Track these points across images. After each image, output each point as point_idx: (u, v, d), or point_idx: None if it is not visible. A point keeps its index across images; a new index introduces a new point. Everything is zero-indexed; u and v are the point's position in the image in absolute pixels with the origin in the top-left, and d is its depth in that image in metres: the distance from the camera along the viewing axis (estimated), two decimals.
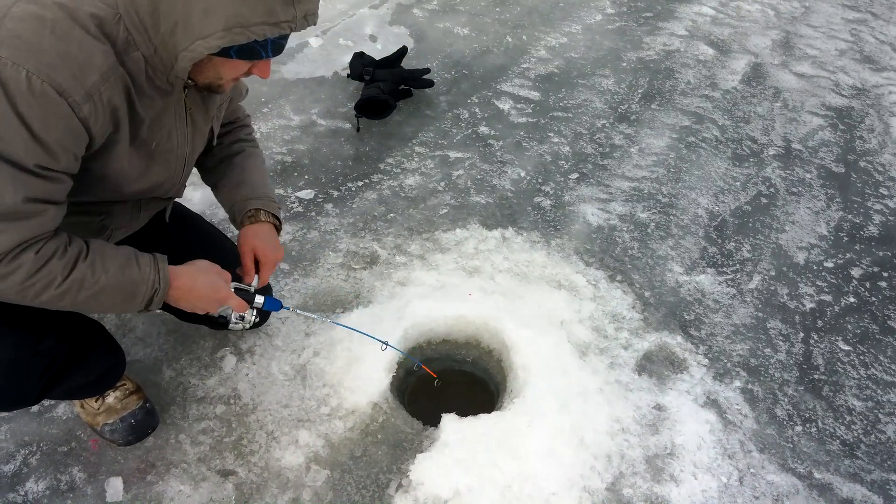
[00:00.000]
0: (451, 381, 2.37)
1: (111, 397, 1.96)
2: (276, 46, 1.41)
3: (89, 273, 1.42)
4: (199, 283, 1.63)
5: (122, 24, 1.35)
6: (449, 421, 2.02)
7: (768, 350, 2.46)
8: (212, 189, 2.00)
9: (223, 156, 1.96)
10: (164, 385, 2.15)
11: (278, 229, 1.95)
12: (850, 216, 3.19)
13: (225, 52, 1.38)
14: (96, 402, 1.96)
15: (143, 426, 2.00)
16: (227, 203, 1.95)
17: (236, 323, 1.81)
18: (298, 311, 1.97)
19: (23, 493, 1.87)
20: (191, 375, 2.18)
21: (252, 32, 1.31)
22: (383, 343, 2.02)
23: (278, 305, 1.85)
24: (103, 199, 1.61)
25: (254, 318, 1.82)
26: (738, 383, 2.32)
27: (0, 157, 1.27)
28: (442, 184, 3.11)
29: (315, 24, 1.42)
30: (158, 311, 2.21)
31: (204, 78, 1.48)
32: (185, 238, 2.02)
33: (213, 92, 1.57)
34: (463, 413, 2.06)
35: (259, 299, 1.79)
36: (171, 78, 1.45)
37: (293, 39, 4.10)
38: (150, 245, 1.87)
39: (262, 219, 1.89)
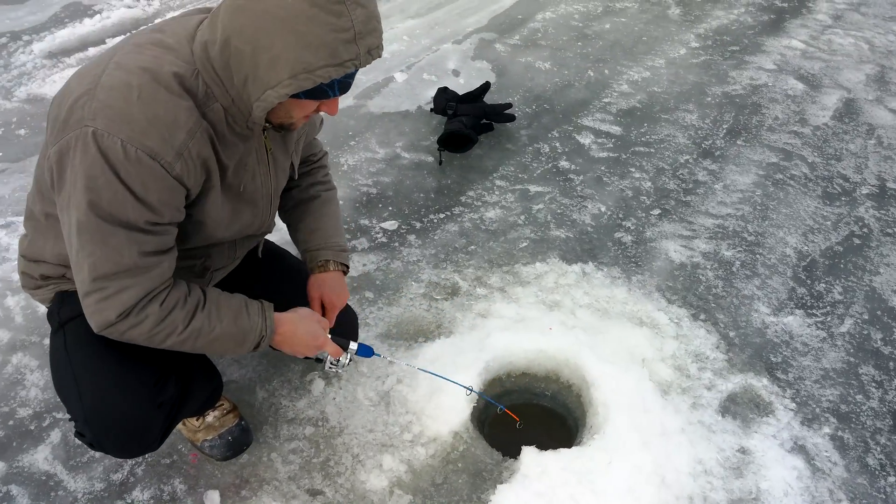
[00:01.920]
0: (528, 415, 2.40)
1: (210, 416, 2.08)
2: (342, 85, 1.46)
3: (206, 323, 1.56)
4: (301, 330, 1.76)
5: (201, 78, 1.46)
6: (529, 453, 2.05)
7: (860, 396, 2.39)
8: (287, 227, 2.12)
9: (301, 198, 2.07)
10: (257, 405, 2.26)
11: (346, 272, 2.08)
12: None
13: (294, 95, 1.43)
14: (197, 420, 2.08)
15: (239, 443, 2.11)
16: (301, 246, 2.07)
17: (331, 367, 1.92)
18: (389, 359, 2.11)
19: (130, 501, 2.00)
20: (282, 397, 2.29)
21: (317, 76, 1.36)
22: (468, 389, 2.08)
23: (370, 353, 1.96)
24: (205, 243, 1.73)
25: (348, 361, 1.93)
26: (827, 429, 2.26)
27: (115, 222, 1.40)
28: (522, 217, 3.16)
29: (381, 57, 1.46)
30: None
31: (277, 119, 1.55)
32: (275, 271, 2.14)
33: (286, 130, 1.64)
34: (541, 446, 2.08)
35: (353, 346, 1.92)
36: (249, 124, 1.54)
37: (380, 74, 4.27)
38: (245, 279, 2.01)
39: (331, 268, 2.02)
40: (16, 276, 2.76)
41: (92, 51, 4.57)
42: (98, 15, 4.96)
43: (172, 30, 1.50)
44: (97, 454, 2.11)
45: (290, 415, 2.23)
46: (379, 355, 2.02)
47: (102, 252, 1.41)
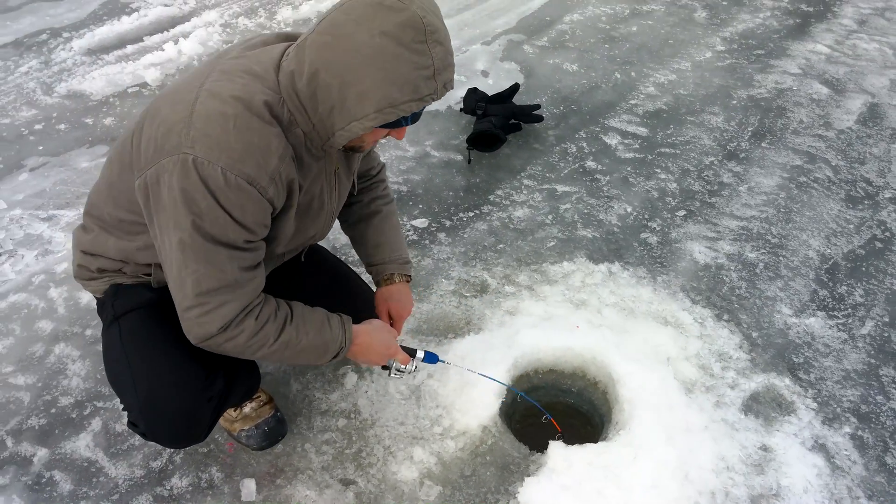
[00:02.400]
0: (555, 411, 2.47)
1: (248, 407, 2.16)
2: (415, 116, 1.56)
3: (294, 335, 1.67)
4: (375, 340, 1.89)
5: (286, 106, 1.55)
6: (556, 448, 2.11)
7: (880, 397, 2.43)
8: (351, 240, 2.24)
9: (363, 213, 2.17)
10: (291, 397, 2.35)
11: (409, 281, 2.22)
12: None
13: None
14: (235, 410, 2.16)
15: (275, 433, 2.19)
16: (366, 260, 2.20)
17: (397, 373, 2.04)
18: (453, 364, 2.24)
19: (168, 488, 2.09)
20: (316, 390, 2.37)
21: (400, 111, 1.47)
22: (520, 394, 2.23)
23: (435, 359, 2.10)
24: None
25: (414, 369, 2.05)
26: (847, 429, 2.30)
27: (217, 242, 1.51)
28: (549, 217, 3.22)
29: (453, 89, 1.59)
30: None
31: (350, 143, 1.66)
32: (317, 272, 2.24)
33: (355, 152, 1.78)
34: (567, 441, 2.15)
35: (420, 354, 2.06)
36: (326, 147, 1.64)
37: None
38: (286, 278, 2.09)
39: (397, 280, 2.15)
40: (59, 268, 2.88)
41: (130, 48, 4.69)
42: (136, 13, 5.09)
43: (258, 58, 1.59)
44: (137, 441, 2.20)
45: (324, 407, 2.31)
46: (444, 361, 2.15)
47: (206, 269, 1.51)
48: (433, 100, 1.50)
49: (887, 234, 3.25)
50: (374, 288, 2.23)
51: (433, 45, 1.43)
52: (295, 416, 2.28)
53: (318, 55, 1.46)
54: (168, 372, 1.75)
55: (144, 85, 4.30)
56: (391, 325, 2.11)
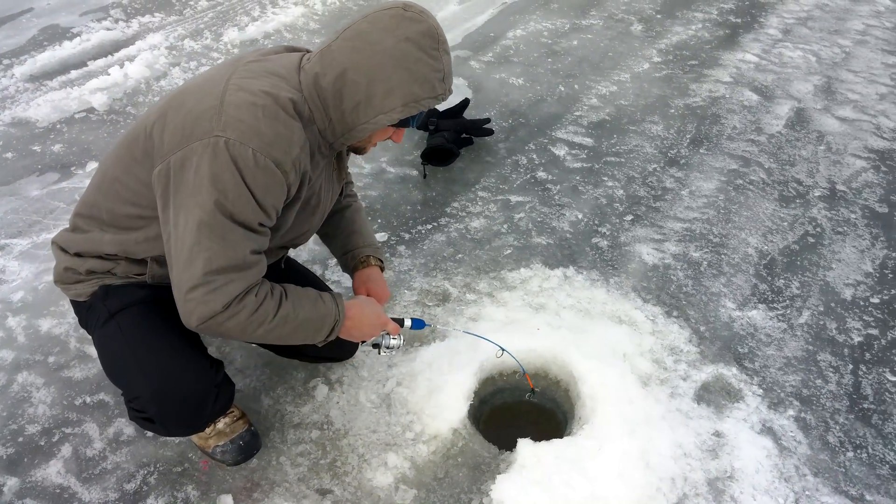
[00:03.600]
0: (521, 410, 2.57)
1: (221, 423, 2.17)
2: (419, 117, 1.76)
3: (291, 310, 1.73)
4: (367, 312, 1.98)
5: (307, 105, 1.71)
6: (524, 445, 2.20)
7: (819, 381, 2.61)
8: (322, 238, 2.33)
9: (334, 210, 2.26)
10: (263, 412, 2.37)
11: (383, 269, 2.27)
12: (894, 254, 3.32)
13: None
14: (208, 427, 2.18)
15: (250, 447, 2.21)
16: (339, 250, 2.28)
17: (386, 351, 2.10)
18: (439, 326, 2.43)
19: None
20: (287, 403, 2.40)
21: (421, 105, 1.68)
22: (501, 349, 2.33)
23: (423, 325, 2.21)
24: None
25: (401, 342, 2.12)
26: (791, 412, 2.47)
27: (236, 221, 1.60)
28: (505, 226, 3.34)
29: (452, 93, 1.80)
30: (255, 346, 2.48)
31: (357, 143, 1.83)
32: (296, 279, 2.28)
33: (356, 153, 1.95)
34: (535, 439, 2.24)
35: (408, 322, 2.16)
36: (336, 145, 1.80)
37: None
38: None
39: (373, 263, 2.23)
40: (15, 297, 2.84)
41: (74, 73, 4.63)
42: (77, 38, 5.02)
43: (280, 62, 1.75)
44: (109, 465, 2.19)
45: (296, 420, 2.34)
46: (430, 325, 2.30)
47: (220, 247, 1.58)
48: (443, 99, 1.73)
49: (818, 229, 3.46)
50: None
51: (444, 53, 1.69)
52: (268, 431, 2.31)
53: (347, 57, 1.64)
54: (178, 359, 1.86)
55: (91, 110, 4.25)
56: None
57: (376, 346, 2.10)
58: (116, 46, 5.01)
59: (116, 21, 5.41)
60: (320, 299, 1.82)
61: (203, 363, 1.92)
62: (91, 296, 1.93)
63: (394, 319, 2.09)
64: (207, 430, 2.18)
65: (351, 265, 2.25)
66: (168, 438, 2.27)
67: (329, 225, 2.27)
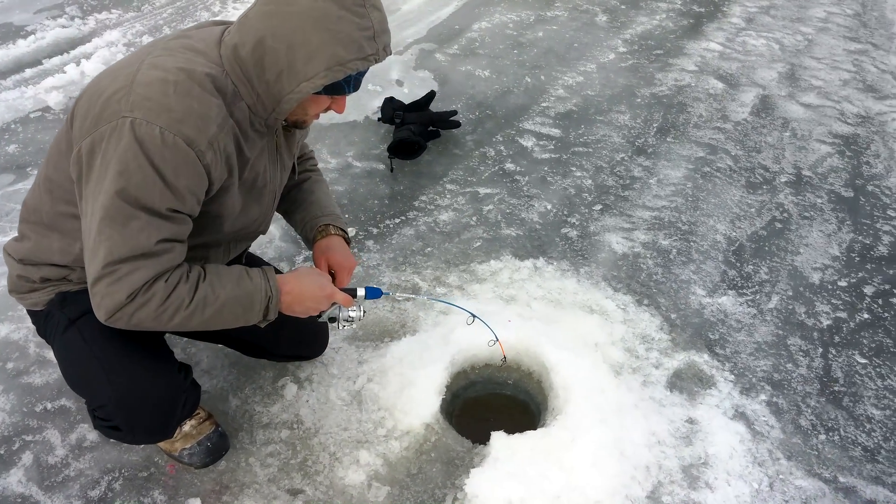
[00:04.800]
0: (494, 404, 2.55)
1: (188, 425, 2.12)
2: (356, 83, 1.63)
3: (210, 291, 1.61)
4: (306, 284, 1.80)
5: (229, 79, 1.59)
6: (498, 438, 2.18)
7: (790, 365, 2.62)
8: (283, 216, 2.20)
9: (292, 184, 2.15)
10: (231, 413, 2.32)
11: (348, 242, 2.11)
12: (860, 237, 3.36)
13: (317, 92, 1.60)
14: None
15: (218, 448, 2.16)
16: (299, 224, 2.14)
17: (346, 323, 1.95)
18: (399, 295, 2.21)
19: None
20: (255, 403, 2.35)
21: (347, 68, 1.53)
22: (471, 315, 2.23)
23: (379, 293, 1.99)
24: (206, 241, 1.81)
25: (363, 314, 1.97)
26: (763, 397, 2.47)
27: (139, 206, 1.48)
28: (474, 218, 3.31)
29: (391, 54, 1.66)
30: (221, 346, 2.42)
31: (293, 115, 1.70)
32: None
33: (298, 128, 1.81)
34: (509, 431, 2.22)
35: (361, 291, 1.95)
36: (269, 121, 1.67)
37: None
38: None
39: (332, 232, 2.07)
40: None
41: (29, 72, 4.51)
42: (32, 35, 4.89)
43: (199, 36, 1.63)
44: (73, 472, 2.13)
45: (265, 420, 2.29)
46: (388, 293, 2.09)
47: (121, 235, 1.48)
48: (376, 60, 1.57)
49: (785, 215, 3.49)
50: None
51: (371, 9, 1.53)
52: (236, 432, 2.26)
53: (263, 23, 1.52)
54: (144, 365, 1.77)
55: (47, 109, 4.14)
56: (333, 281, 1.97)
57: (333, 319, 1.95)
58: (72, 44, 4.88)
59: (72, 18, 5.27)
60: (246, 276, 1.68)
61: (170, 368, 1.85)
62: (48, 304, 1.84)
63: (346, 290, 1.92)
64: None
65: (308, 238, 2.10)
66: None
67: (286, 200, 2.15)
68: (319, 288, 1.82)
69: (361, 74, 1.62)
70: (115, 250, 1.49)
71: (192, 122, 1.49)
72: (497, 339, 2.26)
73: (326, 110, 1.72)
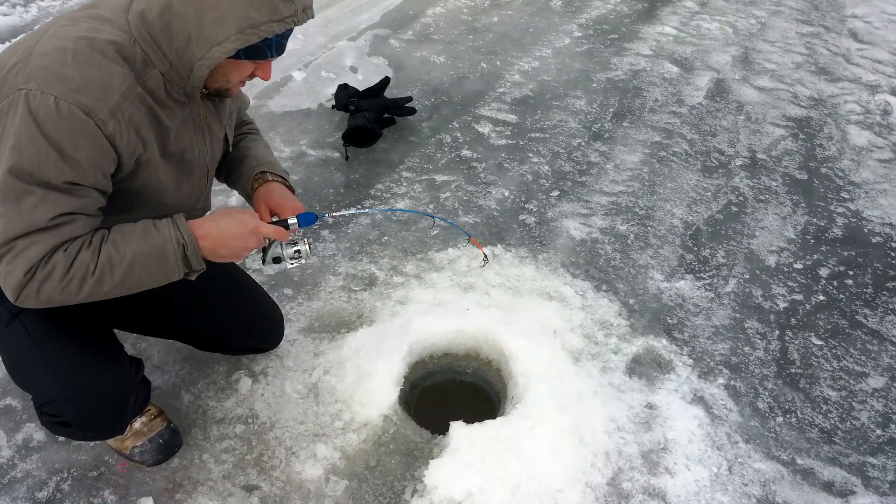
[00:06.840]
0: (452, 392, 2.52)
1: (138, 423, 2.06)
2: (279, 46, 1.55)
3: (114, 250, 1.50)
4: (224, 223, 1.64)
5: (138, 46, 1.50)
6: (457, 428, 2.15)
7: (747, 348, 2.65)
8: (225, 181, 2.07)
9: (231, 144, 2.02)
10: (183, 409, 2.26)
11: (292, 190, 1.97)
12: (815, 220, 3.41)
13: (235, 55, 1.51)
14: None
15: (170, 445, 2.11)
16: (238, 184, 2.01)
17: (293, 261, 1.82)
18: (333, 215, 2.07)
19: None
20: (209, 398, 2.29)
21: (262, 31, 1.46)
22: (433, 217, 2.17)
23: (314, 218, 1.81)
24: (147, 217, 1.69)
25: (308, 246, 1.82)
26: (721, 380, 2.49)
27: (33, 181, 1.40)
28: (431, 206, 3.27)
29: (313, 17, 1.58)
30: (173, 340, 2.34)
31: (214, 83, 1.62)
32: (215, 267, 2.12)
33: (222, 97, 1.72)
34: (468, 421, 2.20)
35: (293, 220, 1.77)
36: (187, 89, 1.58)
37: (278, 73, 4.25)
38: (183, 282, 1.94)
39: (270, 178, 1.94)
40: None
41: None
42: None
43: (107, 4, 1.54)
44: (19, 473, 2.06)
45: (219, 415, 2.24)
46: (324, 215, 1.92)
47: (14, 212, 1.41)
48: (294, 22, 1.50)
49: (741, 198, 3.52)
50: None
51: None
52: (189, 428, 2.20)
53: None
54: (93, 359, 1.71)
55: None
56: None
57: (278, 259, 1.80)
58: (14, 32, 4.70)
59: (14, 6, 5.07)
60: (152, 227, 1.55)
61: (121, 361, 1.79)
62: None
63: (275, 223, 1.76)
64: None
65: (246, 190, 1.96)
66: (82, 442, 2.14)
67: (223, 166, 2.03)
68: (241, 225, 1.65)
69: (284, 38, 1.54)
70: (10, 228, 1.41)
71: (91, 90, 1.41)
72: (470, 237, 2.16)
73: (251, 77, 1.64)
